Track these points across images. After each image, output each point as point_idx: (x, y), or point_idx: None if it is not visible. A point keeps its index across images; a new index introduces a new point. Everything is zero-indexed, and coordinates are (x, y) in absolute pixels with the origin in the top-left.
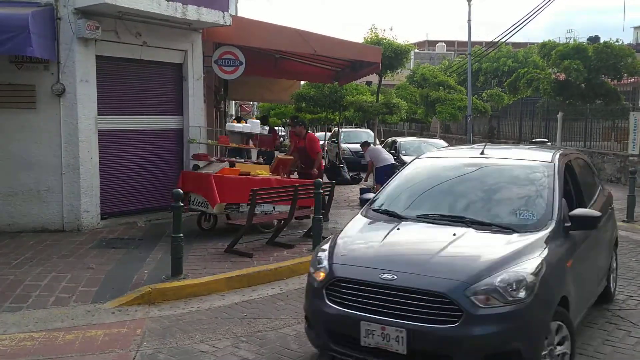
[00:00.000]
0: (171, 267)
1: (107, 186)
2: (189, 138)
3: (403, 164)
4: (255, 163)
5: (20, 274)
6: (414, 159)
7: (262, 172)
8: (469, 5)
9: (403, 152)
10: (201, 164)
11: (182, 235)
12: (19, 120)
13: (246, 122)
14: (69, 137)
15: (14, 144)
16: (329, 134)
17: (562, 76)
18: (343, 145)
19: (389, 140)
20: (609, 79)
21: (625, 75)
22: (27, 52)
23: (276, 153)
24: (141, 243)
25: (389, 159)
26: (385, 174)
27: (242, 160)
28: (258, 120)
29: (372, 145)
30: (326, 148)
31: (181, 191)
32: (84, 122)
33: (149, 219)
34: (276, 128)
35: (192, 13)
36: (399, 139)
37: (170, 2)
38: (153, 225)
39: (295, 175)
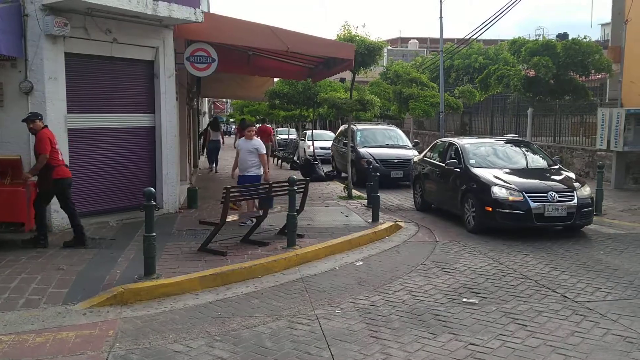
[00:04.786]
0: (144, 267)
1: (78, 186)
2: None
3: (475, 181)
4: None
5: None
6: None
7: None
8: (441, 2)
9: (471, 162)
10: None
11: (154, 234)
12: None
13: (225, 124)
14: None
15: None
16: (309, 132)
17: (532, 72)
18: (361, 150)
19: (440, 143)
20: (577, 75)
21: (593, 71)
22: None
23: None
24: (113, 243)
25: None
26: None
27: None
28: None
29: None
30: (332, 152)
31: (153, 190)
32: (53, 120)
33: (120, 218)
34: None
35: (163, 9)
36: (459, 142)
37: None
38: (125, 225)
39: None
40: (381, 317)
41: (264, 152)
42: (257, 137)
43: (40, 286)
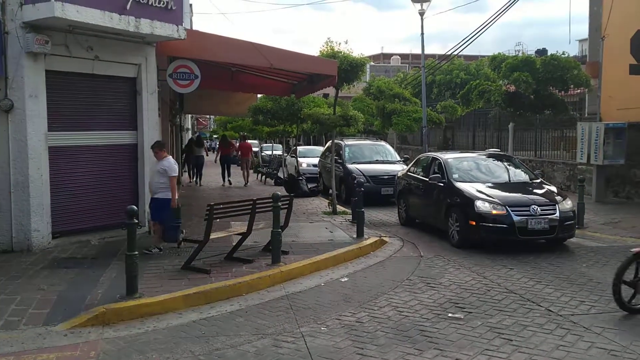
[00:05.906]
0: (126, 286)
1: (59, 204)
2: None
3: (458, 196)
4: None
5: None
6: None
7: None
8: (422, 19)
9: (455, 176)
10: None
11: (136, 253)
12: None
13: (208, 139)
14: (18, 154)
15: None
16: (300, 148)
17: (512, 88)
18: (350, 166)
19: (423, 157)
20: (557, 90)
21: (572, 86)
22: None
23: None
24: (94, 262)
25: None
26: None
27: None
28: None
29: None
30: (319, 169)
31: (135, 208)
32: (34, 138)
33: (102, 237)
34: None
35: (146, 27)
36: (442, 156)
37: (122, 16)
38: (107, 244)
39: None
40: (367, 333)
41: (175, 174)
42: (169, 156)
43: (20, 307)
